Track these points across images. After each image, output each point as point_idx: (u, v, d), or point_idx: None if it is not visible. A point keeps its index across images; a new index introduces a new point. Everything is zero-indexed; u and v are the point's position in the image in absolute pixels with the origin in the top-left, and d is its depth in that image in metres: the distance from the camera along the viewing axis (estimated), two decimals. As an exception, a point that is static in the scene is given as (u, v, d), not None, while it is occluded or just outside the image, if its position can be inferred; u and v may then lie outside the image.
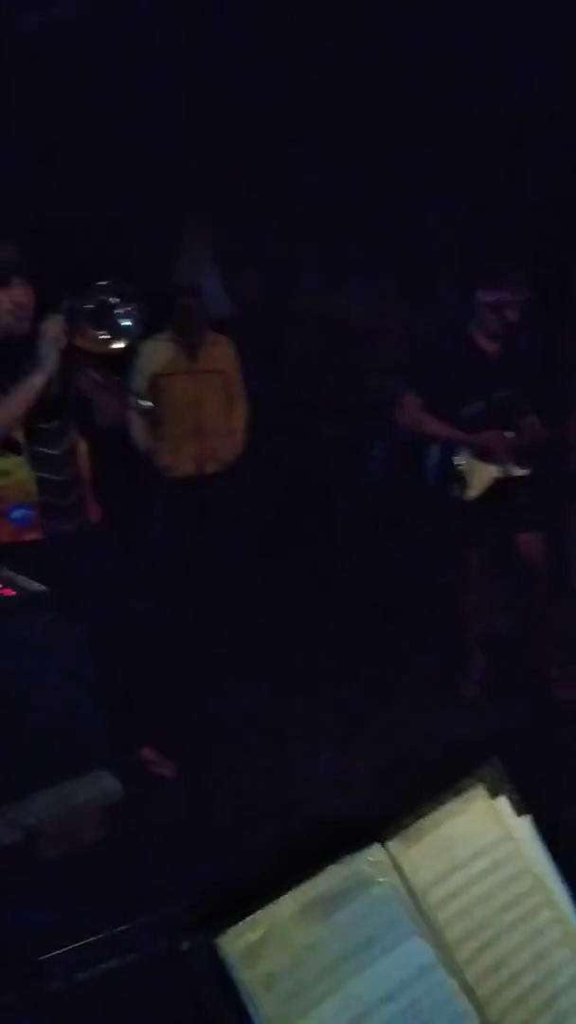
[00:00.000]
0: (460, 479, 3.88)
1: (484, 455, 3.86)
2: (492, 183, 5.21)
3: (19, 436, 3.03)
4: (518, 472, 3.93)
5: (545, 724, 3.72)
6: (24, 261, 3.07)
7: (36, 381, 2.92)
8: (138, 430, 3.43)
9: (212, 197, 6.17)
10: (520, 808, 1.62)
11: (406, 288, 6.01)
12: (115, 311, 3.03)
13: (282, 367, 6.17)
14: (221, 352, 4.95)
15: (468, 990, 1.39)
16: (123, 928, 2.07)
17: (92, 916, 2.16)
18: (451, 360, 3.95)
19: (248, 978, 1.33)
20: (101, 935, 2.08)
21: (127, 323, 3.06)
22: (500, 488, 3.94)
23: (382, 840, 1.46)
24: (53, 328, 2.96)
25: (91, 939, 2.09)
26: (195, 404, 4.84)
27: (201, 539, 5.01)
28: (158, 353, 3.87)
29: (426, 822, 1.52)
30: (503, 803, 1.61)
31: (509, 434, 3.88)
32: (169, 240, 6.16)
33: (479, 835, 1.55)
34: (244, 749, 3.72)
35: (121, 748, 3.24)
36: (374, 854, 1.44)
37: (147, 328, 3.46)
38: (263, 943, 1.35)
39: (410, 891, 1.44)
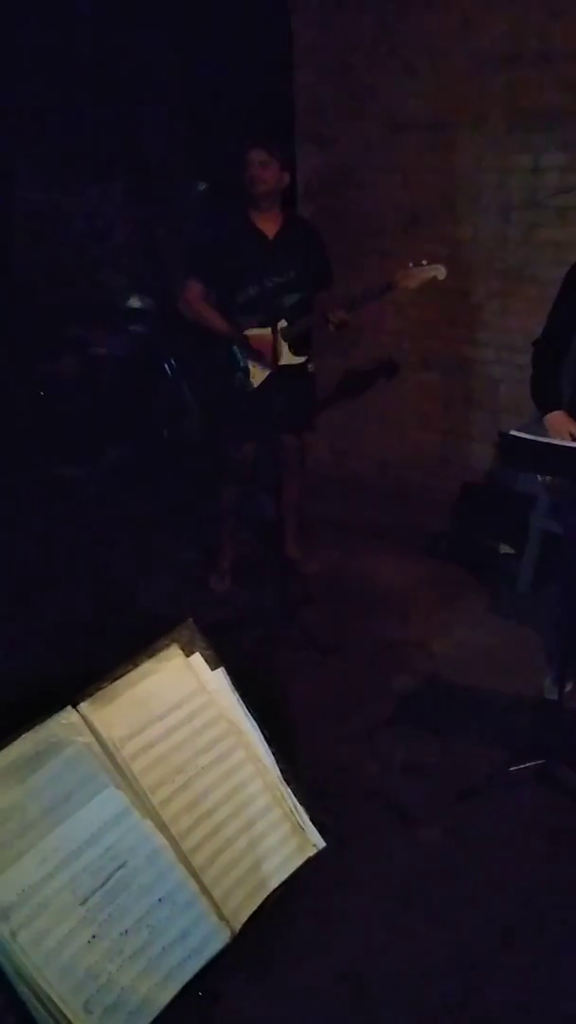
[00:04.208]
0: (244, 370, 3.91)
1: (256, 355, 3.88)
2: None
3: None
4: (294, 360, 3.97)
5: (287, 604, 3.93)
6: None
7: None
8: None
9: None
10: (214, 663, 1.73)
11: (134, 183, 5.89)
12: None
13: (9, 267, 5.89)
14: None
15: (163, 828, 1.50)
16: None
17: None
18: (230, 243, 3.89)
19: (-55, 846, 1.36)
20: None
21: None
22: (285, 374, 3.93)
23: (74, 704, 1.52)
24: None
25: None
26: None
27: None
28: None
29: (121, 683, 1.60)
30: (197, 659, 1.71)
31: (284, 322, 3.88)
32: None
33: (174, 690, 1.64)
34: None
35: None
36: (66, 717, 1.50)
37: None
38: (-41, 813, 1.39)
39: (105, 747, 1.51)
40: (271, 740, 1.72)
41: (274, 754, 1.70)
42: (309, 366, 4.12)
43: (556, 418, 3.01)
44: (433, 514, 4.75)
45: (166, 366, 5.56)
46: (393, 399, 5.15)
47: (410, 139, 4.63)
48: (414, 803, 2.87)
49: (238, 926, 1.49)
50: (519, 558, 4.22)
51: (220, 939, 1.45)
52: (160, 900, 1.43)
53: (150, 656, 1.65)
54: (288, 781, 1.68)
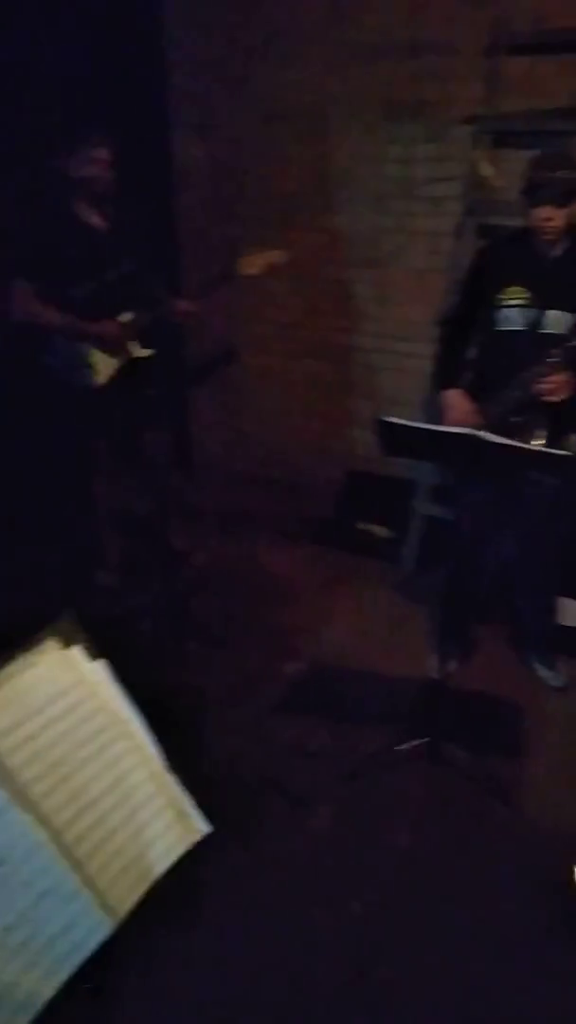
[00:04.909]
0: (87, 366, 3.84)
1: (102, 344, 3.81)
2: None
3: None
4: (142, 353, 3.92)
5: (178, 593, 3.93)
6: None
7: None
8: None
9: None
10: (94, 655, 1.71)
11: None
12: None
13: None
14: None
15: (45, 821, 1.48)
16: None
17: None
18: (57, 238, 3.77)
19: None
20: None
21: None
22: (134, 368, 3.89)
23: (-52, 701, 1.49)
24: None
25: None
26: None
27: None
28: None
29: (-3, 678, 1.57)
30: (76, 652, 1.69)
31: (128, 316, 3.83)
32: None
33: (53, 682, 1.62)
34: None
35: None
36: None
37: None
38: None
39: (-18, 744, 1.49)
40: (158, 730, 1.72)
41: (157, 743, 1.70)
42: (157, 359, 4.07)
43: (454, 396, 3.07)
44: (318, 501, 4.81)
45: (39, 357, 5.41)
46: (277, 388, 5.18)
47: (286, 129, 4.66)
48: (304, 786, 2.91)
49: (122, 915, 1.49)
50: (401, 542, 4.32)
51: (103, 930, 1.45)
52: (42, 895, 1.42)
53: (27, 650, 1.63)
54: (173, 769, 1.68)
